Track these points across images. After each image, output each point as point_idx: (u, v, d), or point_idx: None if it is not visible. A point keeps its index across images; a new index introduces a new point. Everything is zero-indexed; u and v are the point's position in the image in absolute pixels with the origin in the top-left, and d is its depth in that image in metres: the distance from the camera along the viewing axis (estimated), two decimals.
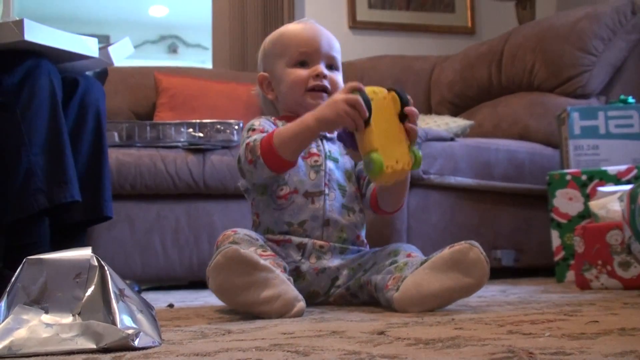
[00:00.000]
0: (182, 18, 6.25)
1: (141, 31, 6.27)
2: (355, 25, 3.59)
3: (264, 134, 1.22)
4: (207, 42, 4.47)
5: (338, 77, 1.35)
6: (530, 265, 2.24)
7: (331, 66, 1.34)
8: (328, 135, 1.35)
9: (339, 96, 1.10)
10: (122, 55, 1.71)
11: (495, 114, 2.65)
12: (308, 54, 1.32)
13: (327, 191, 1.28)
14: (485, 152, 2.21)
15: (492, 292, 1.51)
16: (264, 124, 1.30)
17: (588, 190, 1.81)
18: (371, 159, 1.05)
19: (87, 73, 1.71)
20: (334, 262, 1.25)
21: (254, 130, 1.28)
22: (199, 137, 2.17)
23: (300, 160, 1.27)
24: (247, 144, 1.21)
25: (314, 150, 1.31)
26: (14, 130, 1.45)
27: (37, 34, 1.47)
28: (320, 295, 1.25)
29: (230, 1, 3.46)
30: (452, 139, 2.21)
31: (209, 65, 4.02)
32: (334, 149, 1.35)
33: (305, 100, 1.31)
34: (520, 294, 1.41)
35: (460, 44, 3.31)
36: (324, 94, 1.31)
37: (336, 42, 1.37)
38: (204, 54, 6.13)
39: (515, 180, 2.23)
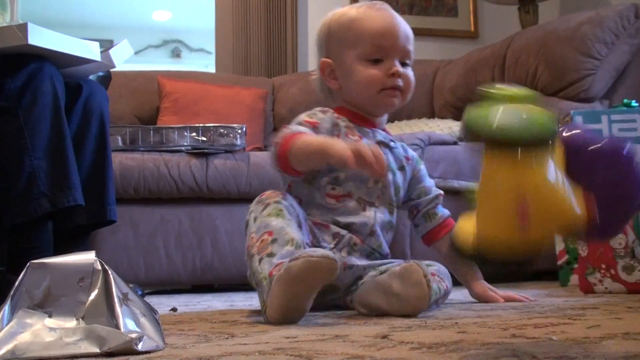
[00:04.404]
0: (185, 22, 6.27)
1: (144, 36, 6.29)
2: None
3: (303, 130, 1.18)
4: (211, 46, 4.49)
5: (410, 73, 1.26)
6: (533, 269, 2.24)
7: (404, 62, 1.25)
8: (392, 144, 1.31)
9: (371, 150, 1.01)
10: (123, 57, 1.71)
11: None
12: (384, 49, 1.22)
13: (377, 204, 1.25)
14: None
15: None
16: (322, 120, 1.24)
17: None
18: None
19: (91, 77, 1.72)
20: (362, 261, 1.22)
21: (308, 121, 1.23)
22: (202, 141, 2.17)
23: None
24: (285, 126, 1.18)
25: None
26: (17, 134, 1.45)
27: (41, 38, 1.47)
28: (339, 291, 1.21)
29: (234, 5, 3.47)
30: (455, 143, 2.21)
31: (212, 69, 4.03)
32: (391, 160, 1.29)
33: (380, 100, 1.25)
34: None
35: (463, 48, 3.30)
36: (398, 92, 1.24)
37: (411, 31, 1.27)
38: (207, 58, 6.14)
39: None
